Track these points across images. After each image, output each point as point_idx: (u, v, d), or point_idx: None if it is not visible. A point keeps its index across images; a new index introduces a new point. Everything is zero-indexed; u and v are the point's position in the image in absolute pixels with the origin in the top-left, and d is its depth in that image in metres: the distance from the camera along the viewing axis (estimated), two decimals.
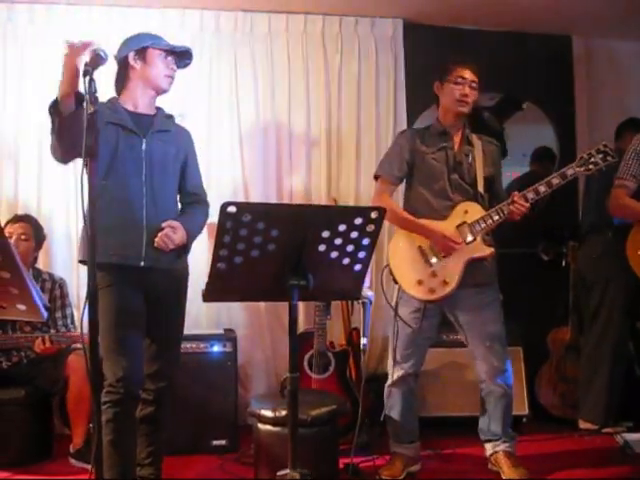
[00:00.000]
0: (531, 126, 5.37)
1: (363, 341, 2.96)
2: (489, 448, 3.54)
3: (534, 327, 4.60)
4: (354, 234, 2.20)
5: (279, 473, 2.32)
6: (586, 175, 3.32)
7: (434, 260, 3.32)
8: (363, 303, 2.93)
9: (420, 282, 3.31)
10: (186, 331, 3.25)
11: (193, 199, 3.19)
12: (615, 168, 3.51)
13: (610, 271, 4.25)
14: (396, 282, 3.39)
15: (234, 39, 4.54)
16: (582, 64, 5.30)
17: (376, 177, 3.53)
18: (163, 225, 2.93)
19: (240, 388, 4.23)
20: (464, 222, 3.32)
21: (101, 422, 2.42)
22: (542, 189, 3.26)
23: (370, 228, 2.20)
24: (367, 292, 2.90)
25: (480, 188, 3.41)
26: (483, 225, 3.30)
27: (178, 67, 3.08)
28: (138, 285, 2.91)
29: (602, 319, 4.36)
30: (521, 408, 4.30)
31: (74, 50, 2.34)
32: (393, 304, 3.44)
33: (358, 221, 2.18)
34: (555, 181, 3.26)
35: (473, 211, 3.34)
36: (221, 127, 4.50)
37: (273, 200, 4.50)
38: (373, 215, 2.20)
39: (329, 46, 4.68)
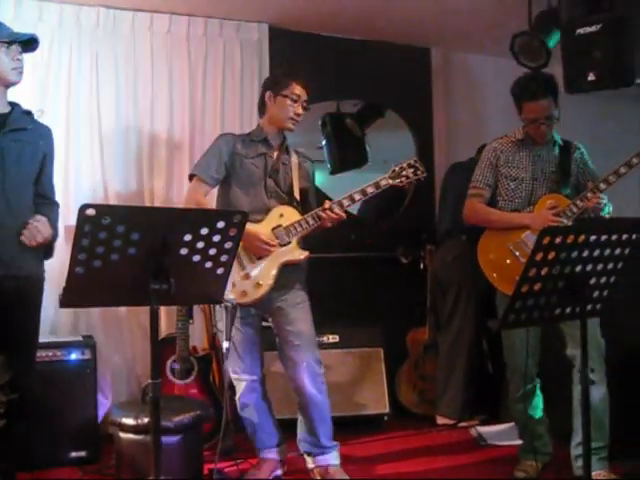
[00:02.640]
0: (391, 133, 5.54)
1: (225, 345, 2.94)
2: (310, 462, 3.50)
3: (394, 328, 4.74)
4: (216, 237, 2.19)
5: None
6: (400, 187, 3.41)
7: (248, 262, 3.29)
8: (225, 307, 2.92)
9: (232, 285, 3.20)
10: (42, 338, 3.12)
11: (42, 202, 3.03)
12: (469, 178, 3.67)
13: (463, 274, 4.48)
14: None
15: (95, 36, 4.39)
16: (440, 75, 5.53)
17: (191, 177, 3.47)
18: (29, 220, 2.80)
19: (100, 396, 4.10)
20: (279, 225, 3.33)
21: None
22: (357, 197, 3.33)
23: (233, 232, 2.20)
24: (229, 295, 2.90)
25: (296, 195, 3.44)
26: (299, 229, 3.31)
27: (24, 52, 2.90)
28: None
29: (457, 319, 4.58)
30: (382, 407, 4.44)
31: None
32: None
33: (220, 224, 2.17)
34: (369, 190, 3.34)
35: (289, 215, 3.36)
36: (81, 125, 4.32)
37: (134, 203, 4.36)
38: (235, 219, 2.20)
39: (193, 48, 4.63)
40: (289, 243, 3.32)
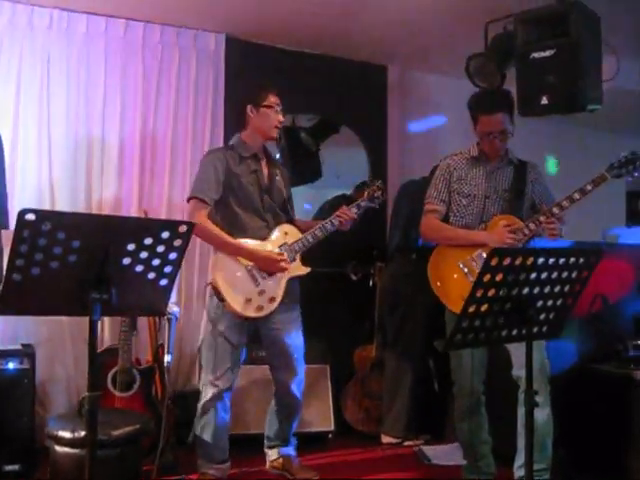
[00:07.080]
0: (345, 149, 5.54)
1: (167, 358, 2.89)
2: (273, 454, 3.84)
3: (341, 345, 4.72)
4: (160, 248, 2.14)
5: None
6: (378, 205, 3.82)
7: (261, 279, 3.44)
8: (168, 319, 2.87)
9: (249, 300, 3.40)
10: None
11: None
12: (422, 196, 3.68)
13: (412, 291, 4.48)
14: (222, 300, 3.38)
15: (48, 37, 4.28)
16: (395, 93, 5.55)
17: (189, 198, 3.49)
18: None
19: (38, 407, 3.97)
20: (285, 243, 3.53)
21: None
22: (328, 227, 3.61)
23: (177, 242, 2.15)
24: (173, 308, 2.85)
25: (289, 207, 3.66)
26: (301, 245, 3.55)
27: None
28: None
29: (404, 338, 4.58)
30: (327, 424, 4.42)
31: None
32: (209, 320, 3.48)
33: (165, 235, 2.12)
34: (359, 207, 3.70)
35: (292, 233, 3.58)
36: (28, 129, 4.21)
37: (81, 210, 4.26)
38: (181, 229, 2.15)
39: (148, 54, 4.56)
40: (294, 260, 3.54)
